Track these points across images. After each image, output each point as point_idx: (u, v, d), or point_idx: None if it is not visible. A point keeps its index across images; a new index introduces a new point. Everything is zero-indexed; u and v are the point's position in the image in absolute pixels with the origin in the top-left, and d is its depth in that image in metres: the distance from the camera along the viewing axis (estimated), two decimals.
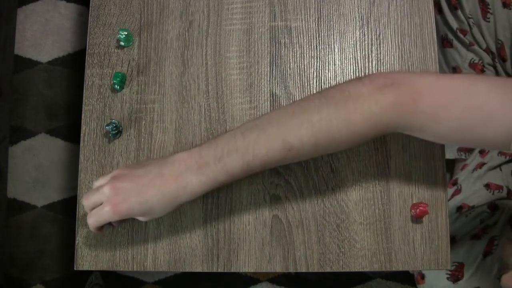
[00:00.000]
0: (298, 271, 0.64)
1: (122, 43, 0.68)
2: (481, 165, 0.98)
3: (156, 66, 0.69)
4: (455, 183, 1.01)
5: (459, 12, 0.92)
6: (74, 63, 1.31)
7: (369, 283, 1.19)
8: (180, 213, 0.65)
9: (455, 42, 0.96)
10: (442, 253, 0.63)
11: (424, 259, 0.63)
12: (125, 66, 0.69)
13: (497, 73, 0.96)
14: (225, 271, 0.64)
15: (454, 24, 0.94)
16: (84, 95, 0.69)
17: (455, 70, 0.99)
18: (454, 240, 0.92)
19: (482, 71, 0.95)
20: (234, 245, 0.64)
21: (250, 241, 0.64)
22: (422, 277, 0.94)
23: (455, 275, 0.88)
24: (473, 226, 0.93)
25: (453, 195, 0.99)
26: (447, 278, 0.89)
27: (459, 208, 0.96)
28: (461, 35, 0.94)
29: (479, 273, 0.88)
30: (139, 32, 0.70)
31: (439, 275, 0.91)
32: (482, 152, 1.01)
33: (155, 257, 0.65)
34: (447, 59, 1.00)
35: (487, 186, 0.96)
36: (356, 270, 0.63)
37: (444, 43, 0.99)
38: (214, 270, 0.64)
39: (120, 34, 0.67)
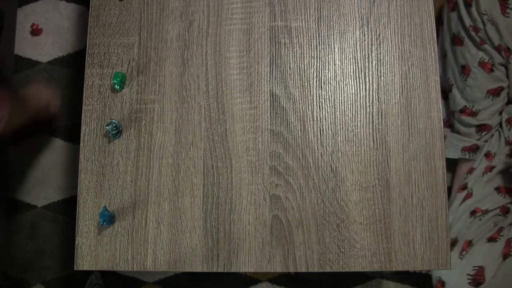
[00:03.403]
0: (298, 271, 0.64)
1: None
2: (490, 168, 0.98)
3: (156, 66, 0.69)
4: (465, 187, 1.01)
5: (473, 9, 0.92)
6: (74, 63, 1.31)
7: (369, 283, 1.19)
8: (180, 213, 0.65)
9: (466, 40, 0.96)
10: (442, 253, 0.63)
11: (424, 259, 0.63)
12: (125, 66, 0.69)
13: (507, 73, 0.96)
14: (225, 271, 0.64)
15: (467, 22, 0.94)
16: (84, 95, 0.69)
17: (464, 68, 0.98)
18: (471, 244, 0.92)
19: (491, 70, 0.95)
20: (234, 245, 0.64)
21: (250, 241, 0.64)
22: (442, 284, 0.93)
23: (477, 280, 0.88)
24: (488, 229, 0.93)
25: (464, 199, 0.99)
26: (469, 283, 0.88)
27: (473, 212, 0.96)
28: (473, 33, 0.94)
29: (500, 275, 0.87)
30: (139, 32, 0.70)
31: (460, 280, 0.89)
32: (488, 156, 1.00)
33: (155, 257, 0.65)
34: (456, 57, 1.00)
35: (498, 189, 0.96)
36: (356, 270, 0.63)
37: (455, 40, 0.99)
38: (214, 270, 0.64)
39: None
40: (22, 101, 0.88)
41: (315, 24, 0.68)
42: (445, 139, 1.06)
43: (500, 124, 1.02)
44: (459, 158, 1.07)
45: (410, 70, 0.67)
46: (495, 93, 0.98)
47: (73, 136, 1.29)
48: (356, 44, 0.68)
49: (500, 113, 1.01)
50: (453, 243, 0.94)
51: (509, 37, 0.91)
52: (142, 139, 0.67)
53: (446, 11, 1.01)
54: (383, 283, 1.19)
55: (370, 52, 0.67)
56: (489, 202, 0.95)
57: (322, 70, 0.67)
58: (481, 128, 1.02)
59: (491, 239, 0.91)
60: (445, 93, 1.08)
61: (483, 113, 1.00)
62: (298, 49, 0.68)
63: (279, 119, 0.67)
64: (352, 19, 0.68)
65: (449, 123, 1.10)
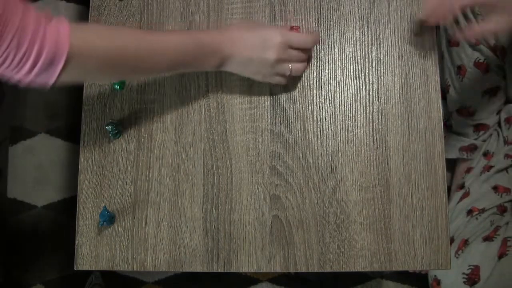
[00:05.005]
0: (298, 271, 0.64)
1: None
2: (488, 168, 0.98)
3: None
4: (462, 186, 1.01)
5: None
6: None
7: (369, 283, 1.19)
8: (180, 213, 0.65)
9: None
10: (442, 253, 0.63)
11: (424, 259, 0.63)
12: None
13: (503, 73, 0.96)
14: (225, 271, 0.64)
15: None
16: (84, 95, 0.69)
17: (460, 68, 0.99)
18: (467, 243, 0.92)
19: (486, 70, 0.95)
20: (234, 245, 0.64)
21: (250, 241, 0.64)
22: (438, 283, 0.93)
23: (472, 279, 0.88)
24: (484, 228, 0.93)
25: (461, 198, 0.99)
26: (464, 282, 0.88)
27: (470, 212, 0.96)
28: None
29: (496, 275, 0.88)
30: None
31: (456, 280, 0.89)
32: (486, 155, 1.01)
33: (155, 257, 0.65)
34: (452, 57, 1.00)
35: (495, 188, 0.96)
36: (356, 270, 0.63)
37: (451, 42, 0.99)
38: (214, 270, 0.64)
39: None
40: None
41: (315, 24, 0.68)
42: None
43: (499, 124, 1.02)
44: (458, 158, 1.07)
45: (410, 70, 0.67)
46: (491, 93, 0.98)
47: (73, 136, 1.29)
48: (356, 44, 0.68)
49: (498, 113, 1.01)
50: (450, 242, 0.95)
51: (503, 37, 0.91)
52: (142, 139, 0.67)
53: None
54: (383, 283, 1.19)
55: (370, 52, 0.67)
56: (486, 201, 0.95)
57: (322, 70, 0.67)
58: (478, 127, 1.02)
59: (487, 238, 0.91)
60: (444, 93, 1.08)
61: (480, 112, 1.00)
62: None
63: (279, 119, 0.67)
64: (352, 19, 0.68)
65: (447, 123, 1.10)
